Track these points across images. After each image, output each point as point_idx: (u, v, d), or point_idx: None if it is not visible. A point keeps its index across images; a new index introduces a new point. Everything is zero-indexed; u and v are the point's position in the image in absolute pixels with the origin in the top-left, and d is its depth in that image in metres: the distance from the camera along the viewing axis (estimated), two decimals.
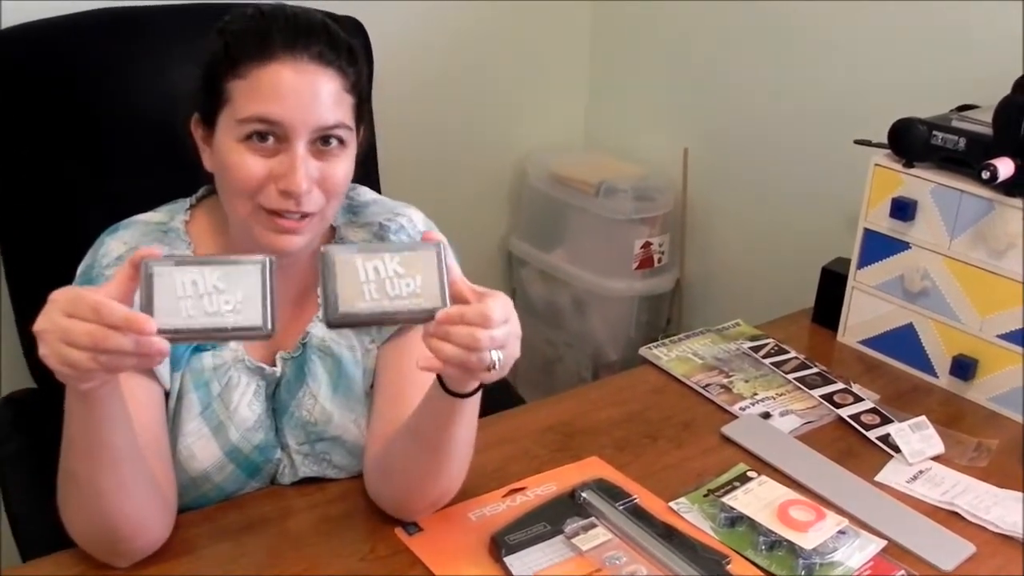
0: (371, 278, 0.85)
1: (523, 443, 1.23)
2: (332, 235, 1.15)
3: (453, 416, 0.97)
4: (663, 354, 1.44)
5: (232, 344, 1.09)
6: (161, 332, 0.80)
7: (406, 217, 1.16)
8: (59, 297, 0.81)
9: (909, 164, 1.40)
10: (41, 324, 0.81)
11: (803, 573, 1.02)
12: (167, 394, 1.07)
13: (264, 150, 0.99)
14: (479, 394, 0.97)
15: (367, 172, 1.50)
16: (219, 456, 1.08)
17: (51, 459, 1.27)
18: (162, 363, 1.04)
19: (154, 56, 1.35)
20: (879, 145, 1.45)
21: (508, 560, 1.00)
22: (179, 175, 1.12)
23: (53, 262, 1.18)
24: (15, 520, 1.22)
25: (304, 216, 1.01)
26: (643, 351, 1.45)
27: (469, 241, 2.16)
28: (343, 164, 1.03)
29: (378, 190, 1.45)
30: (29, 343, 1.37)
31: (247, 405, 1.09)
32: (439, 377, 0.94)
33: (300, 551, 1.03)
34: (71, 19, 1.34)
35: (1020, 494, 1.16)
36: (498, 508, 1.10)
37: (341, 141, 1.02)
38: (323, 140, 1.00)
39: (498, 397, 1.41)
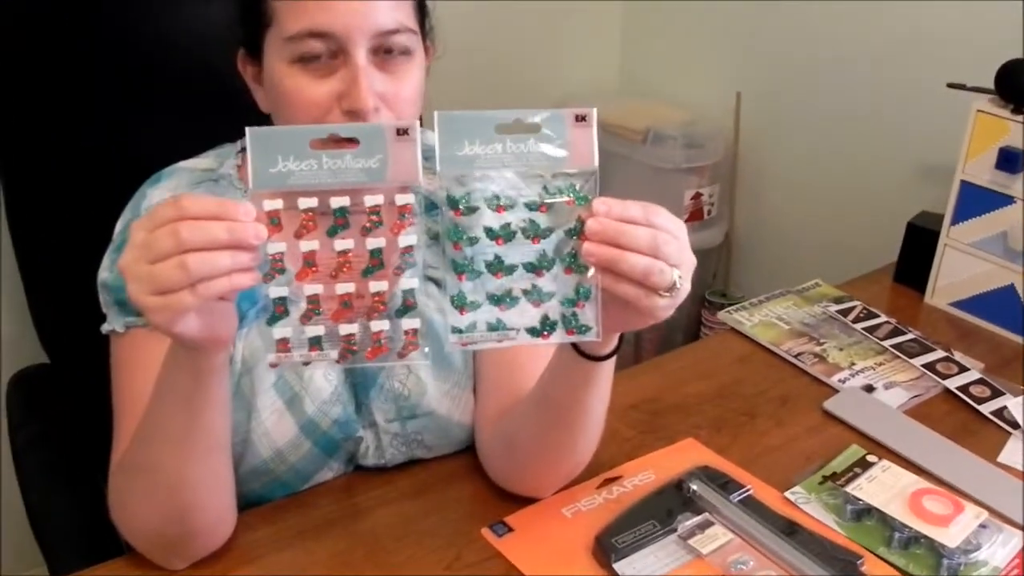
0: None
1: (607, 423, 1.10)
2: None
3: (588, 384, 0.84)
4: (745, 319, 1.31)
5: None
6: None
7: None
8: (137, 223, 0.68)
9: (1018, 110, 1.26)
10: (124, 258, 0.68)
11: (946, 574, 0.91)
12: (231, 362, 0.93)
13: (320, 69, 0.86)
14: (614, 358, 0.83)
15: None
16: (295, 432, 0.95)
17: (69, 445, 1.15)
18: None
19: None
20: (977, 89, 1.31)
21: (618, 566, 0.88)
22: (197, 125, 1.01)
23: (61, 227, 1.11)
24: (34, 514, 1.08)
25: None
26: (723, 316, 1.32)
27: None
28: (412, 76, 0.89)
29: None
30: (40, 317, 1.24)
31: (323, 375, 0.95)
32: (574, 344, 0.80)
33: (374, 559, 0.90)
34: None
35: None
36: (594, 502, 0.97)
37: (407, 49, 0.88)
38: (386, 49, 0.87)
39: None
